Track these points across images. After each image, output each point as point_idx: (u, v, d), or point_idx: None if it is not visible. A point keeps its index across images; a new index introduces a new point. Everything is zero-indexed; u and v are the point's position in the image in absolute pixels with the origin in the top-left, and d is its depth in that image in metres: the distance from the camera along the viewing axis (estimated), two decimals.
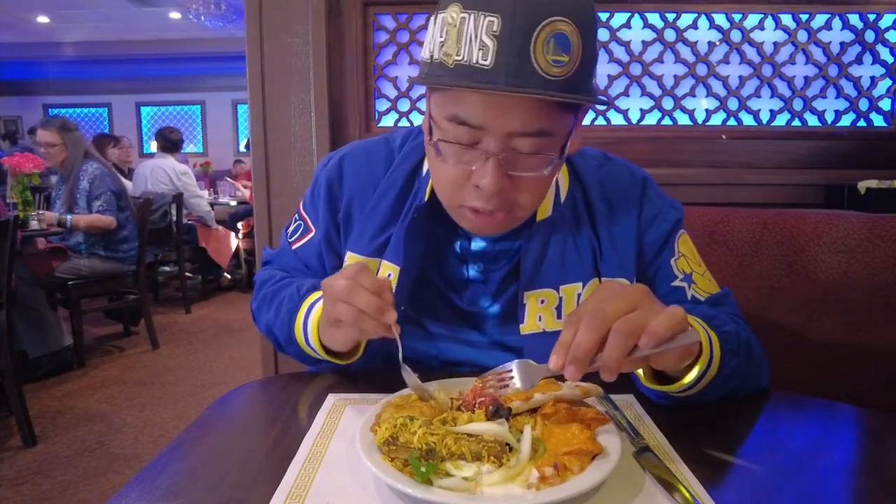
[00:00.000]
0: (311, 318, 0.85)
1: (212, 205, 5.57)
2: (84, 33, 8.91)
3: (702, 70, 1.96)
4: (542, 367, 0.67)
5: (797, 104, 1.97)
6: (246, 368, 3.63)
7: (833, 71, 1.94)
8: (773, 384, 0.88)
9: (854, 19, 1.91)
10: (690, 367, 0.72)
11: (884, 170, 1.82)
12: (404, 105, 2.03)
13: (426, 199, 0.90)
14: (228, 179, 6.93)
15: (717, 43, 1.95)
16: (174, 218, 4.65)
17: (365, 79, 1.98)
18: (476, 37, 0.68)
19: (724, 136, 1.98)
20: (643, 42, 1.96)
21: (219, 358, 3.84)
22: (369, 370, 0.92)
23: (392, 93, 2.02)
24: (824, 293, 1.22)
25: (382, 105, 2.03)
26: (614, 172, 0.96)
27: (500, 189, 0.75)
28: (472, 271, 0.94)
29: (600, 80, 1.98)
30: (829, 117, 1.97)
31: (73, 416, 2.91)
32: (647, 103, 2.00)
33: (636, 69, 1.98)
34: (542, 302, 0.89)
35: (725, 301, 0.92)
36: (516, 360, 0.71)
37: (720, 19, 1.93)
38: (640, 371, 0.75)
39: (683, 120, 2.00)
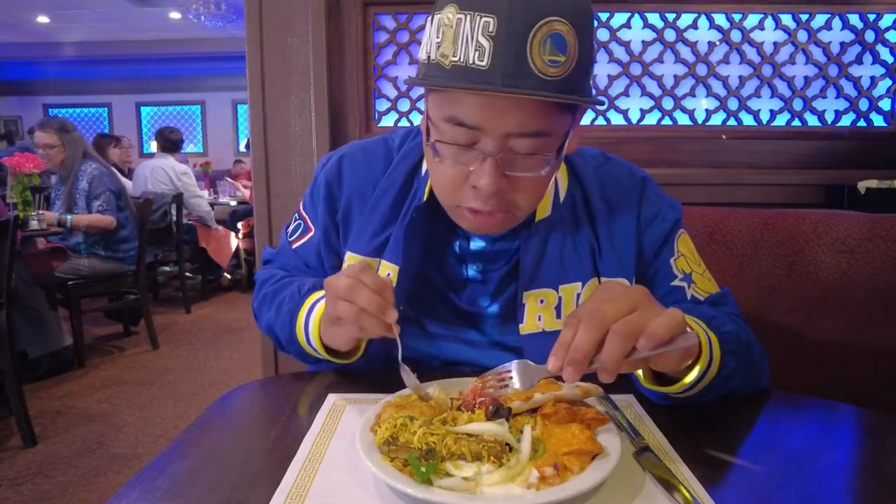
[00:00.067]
0: (313, 318, 0.85)
1: (212, 205, 5.57)
2: (84, 33, 8.90)
3: (702, 70, 1.96)
4: (541, 368, 0.67)
5: (797, 104, 1.97)
6: (246, 368, 3.63)
7: (833, 71, 1.94)
8: (773, 384, 0.88)
9: (854, 19, 1.91)
10: (690, 368, 0.72)
11: (884, 170, 1.82)
12: (404, 105, 2.03)
13: (425, 198, 0.90)
14: (228, 179, 6.93)
15: (717, 43, 1.95)
16: (174, 218, 4.65)
17: (365, 79, 1.98)
18: (472, 38, 0.68)
19: (724, 136, 1.98)
20: (643, 42, 1.96)
21: (219, 358, 3.84)
22: (369, 370, 0.92)
23: (392, 93, 2.02)
24: (824, 293, 1.22)
25: (382, 105, 2.03)
26: (613, 172, 0.96)
27: (497, 189, 0.75)
28: (471, 271, 0.94)
29: (600, 80, 1.98)
30: (829, 117, 1.97)
31: (73, 416, 2.91)
32: (647, 103, 2.00)
33: (636, 69, 1.98)
34: (542, 302, 0.89)
35: (725, 301, 0.92)
36: (515, 361, 0.70)
37: (720, 19, 1.93)
38: (640, 372, 0.74)
39: (683, 120, 2.00)
